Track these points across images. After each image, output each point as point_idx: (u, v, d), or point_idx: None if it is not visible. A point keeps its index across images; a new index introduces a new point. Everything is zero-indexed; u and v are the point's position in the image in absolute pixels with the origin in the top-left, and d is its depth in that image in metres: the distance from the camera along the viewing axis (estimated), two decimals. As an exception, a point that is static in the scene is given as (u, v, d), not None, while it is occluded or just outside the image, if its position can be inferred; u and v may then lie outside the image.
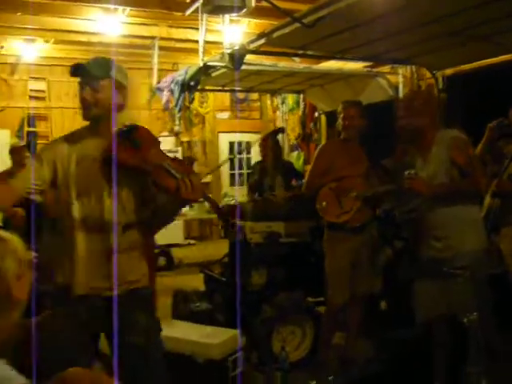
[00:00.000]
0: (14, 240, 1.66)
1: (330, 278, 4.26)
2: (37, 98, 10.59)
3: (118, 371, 2.24)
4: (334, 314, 4.34)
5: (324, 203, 4.23)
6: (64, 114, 10.50)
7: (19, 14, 7.43)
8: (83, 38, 8.62)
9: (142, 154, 2.51)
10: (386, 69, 7.20)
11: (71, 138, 2.72)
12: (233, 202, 8.78)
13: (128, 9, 7.28)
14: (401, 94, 7.17)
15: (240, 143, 12.67)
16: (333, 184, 4.21)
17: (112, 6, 7.15)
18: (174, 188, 2.44)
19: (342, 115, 4.29)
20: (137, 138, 2.55)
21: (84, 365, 2.01)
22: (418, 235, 3.62)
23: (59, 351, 2.24)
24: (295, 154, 10.07)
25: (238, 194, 10.77)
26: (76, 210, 2.60)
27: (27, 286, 1.65)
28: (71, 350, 2.39)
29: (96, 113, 2.60)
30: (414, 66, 6.88)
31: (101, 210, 2.59)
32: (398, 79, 7.25)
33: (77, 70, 2.63)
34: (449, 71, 6.52)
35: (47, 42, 9.05)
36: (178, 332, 3.95)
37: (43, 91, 10.77)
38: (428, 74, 6.67)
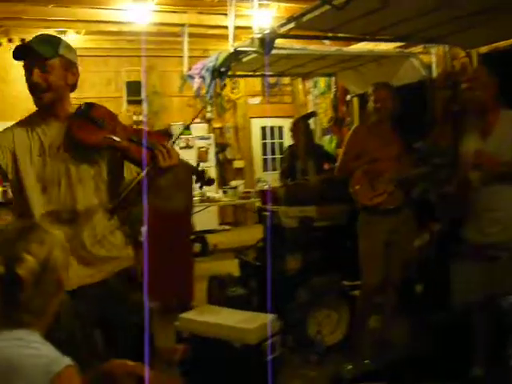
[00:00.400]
0: (56, 232, 1.74)
1: (364, 261, 4.26)
2: (70, 88, 10.70)
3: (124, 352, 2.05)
4: (369, 296, 4.33)
5: (357, 186, 4.23)
6: (97, 104, 10.60)
7: (51, 6, 7.53)
8: (114, 28, 8.68)
9: (109, 132, 2.39)
10: (418, 49, 7.07)
11: (28, 125, 2.48)
12: (266, 187, 8.79)
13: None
14: (434, 74, 7.06)
15: (272, 128, 12.65)
16: (365, 167, 4.19)
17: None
18: (150, 159, 2.36)
19: (372, 98, 4.26)
20: (97, 117, 2.42)
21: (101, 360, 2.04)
22: (468, 217, 3.56)
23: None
24: (327, 137, 10.00)
25: (271, 179, 10.78)
26: (43, 205, 2.42)
27: (68, 274, 1.75)
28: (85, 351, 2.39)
29: (50, 97, 2.41)
30: (447, 45, 6.74)
31: (73, 199, 2.43)
32: (430, 59, 7.12)
33: (21, 51, 2.38)
34: (483, 49, 6.37)
35: (78, 33, 9.14)
36: (214, 317, 3.98)
37: (76, 82, 10.88)
38: (462, 53, 6.53)
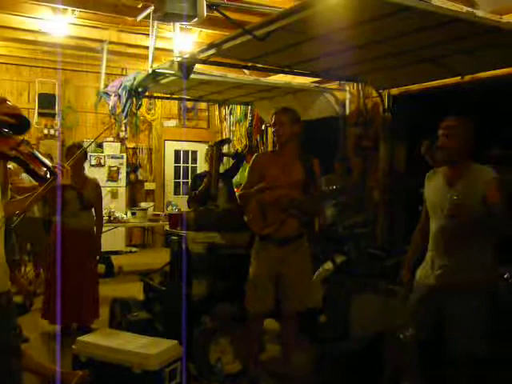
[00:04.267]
0: None
1: (249, 286, 4.18)
2: (-22, 96, 10.27)
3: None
4: (255, 323, 4.24)
5: (250, 215, 4.18)
6: (6, 114, 10.20)
7: (-38, 8, 7.22)
8: (30, 37, 8.42)
9: (16, 143, 2.55)
10: (333, 85, 7.30)
11: None
12: (176, 211, 8.72)
13: (77, 10, 7.14)
14: (347, 111, 7.28)
15: (186, 152, 12.61)
16: (259, 196, 4.13)
17: (62, 6, 7.00)
18: (44, 175, 2.57)
19: (273, 122, 4.23)
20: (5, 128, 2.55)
21: None
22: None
23: None
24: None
25: (182, 203, 10.70)
26: None
27: None
28: None
29: None
30: (360, 84, 6.99)
31: None
32: (345, 96, 7.36)
33: None
34: (395, 90, 6.65)
35: (-9, 38, 8.81)
36: (114, 341, 3.88)
37: (-14, 89, 10.47)
38: (374, 93, 6.79)
